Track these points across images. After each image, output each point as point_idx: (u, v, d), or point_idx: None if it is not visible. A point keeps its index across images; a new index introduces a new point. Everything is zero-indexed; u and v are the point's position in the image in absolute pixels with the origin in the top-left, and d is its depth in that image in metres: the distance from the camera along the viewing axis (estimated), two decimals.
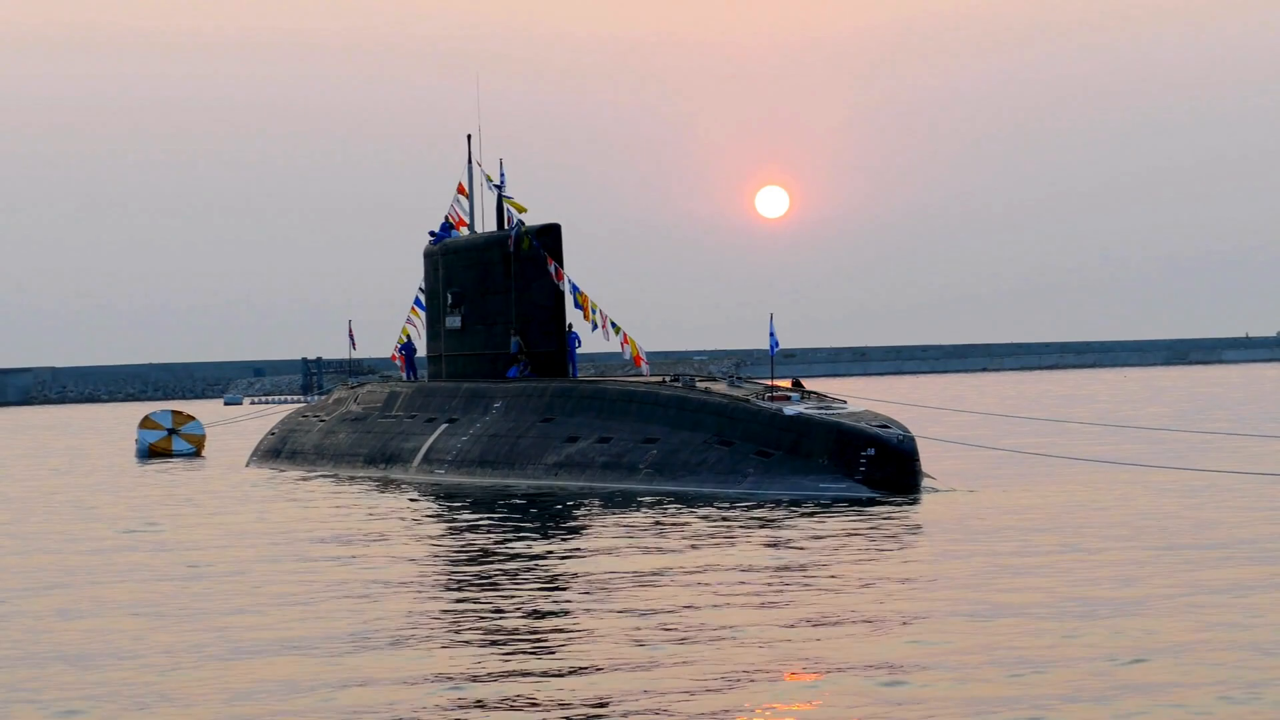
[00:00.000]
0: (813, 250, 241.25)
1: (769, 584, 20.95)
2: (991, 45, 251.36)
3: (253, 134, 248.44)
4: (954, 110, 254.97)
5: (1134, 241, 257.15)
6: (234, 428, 70.32)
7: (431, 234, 47.21)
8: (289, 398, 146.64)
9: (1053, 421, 54.91)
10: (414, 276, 48.40)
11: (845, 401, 36.40)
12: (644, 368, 42.00)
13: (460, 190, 47.02)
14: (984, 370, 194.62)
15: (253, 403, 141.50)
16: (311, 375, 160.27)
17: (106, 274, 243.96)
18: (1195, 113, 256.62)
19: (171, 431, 58.70)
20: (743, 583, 21.15)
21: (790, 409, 35.34)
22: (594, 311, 41.88)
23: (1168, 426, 53.07)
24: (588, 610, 19.01)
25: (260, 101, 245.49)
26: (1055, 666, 14.90)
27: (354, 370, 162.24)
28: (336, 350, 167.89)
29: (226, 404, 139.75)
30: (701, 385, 38.52)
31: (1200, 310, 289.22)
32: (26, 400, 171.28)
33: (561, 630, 17.69)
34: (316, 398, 73.48)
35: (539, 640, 17.06)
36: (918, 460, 33.78)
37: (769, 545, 25.21)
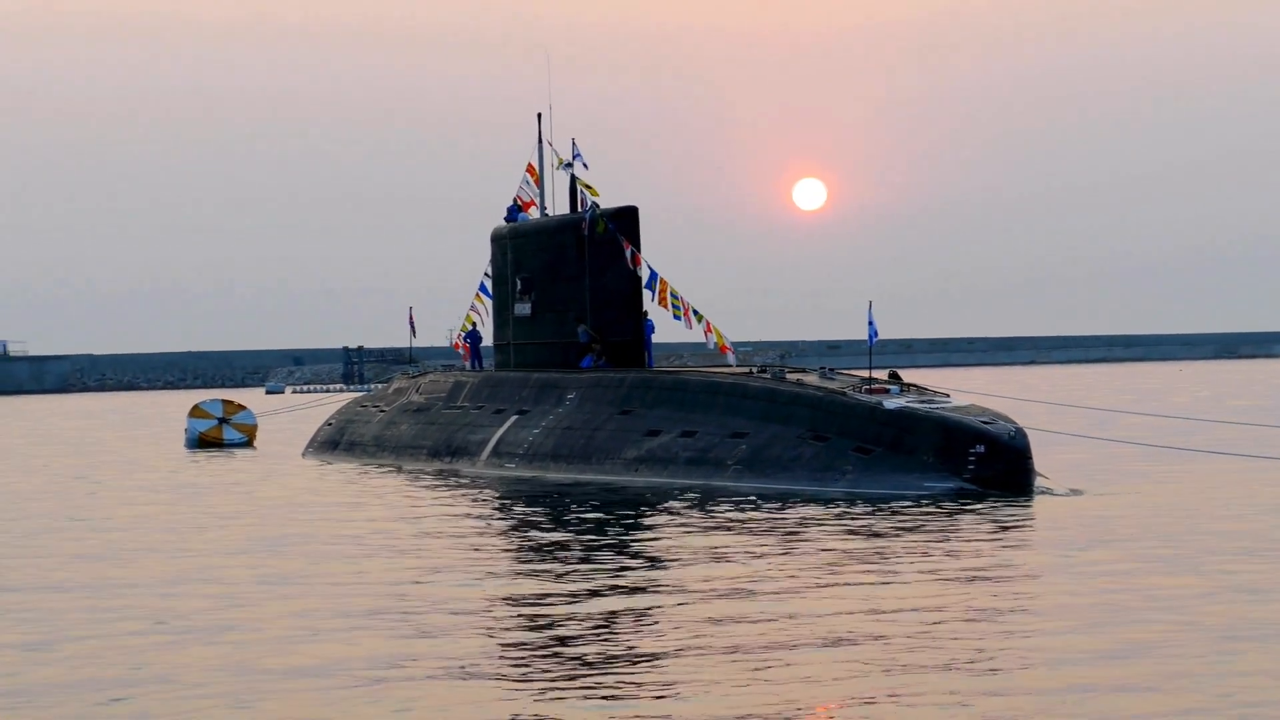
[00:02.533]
0: (852, 242, 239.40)
1: (873, 592, 18.99)
2: (1031, 32, 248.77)
3: (293, 119, 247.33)
4: (995, 98, 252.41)
5: (1182, 232, 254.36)
6: (285, 417, 68.30)
7: (508, 215, 44.92)
8: (331, 386, 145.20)
9: (1158, 417, 52.39)
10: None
11: (948, 395, 34.26)
12: (730, 357, 39.66)
13: (530, 171, 44.84)
14: (1031, 363, 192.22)
15: (295, 391, 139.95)
16: (352, 364, 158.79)
17: (145, 261, 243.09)
18: (1247, 100, 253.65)
19: (222, 421, 56.86)
20: (843, 589, 19.26)
21: (891, 402, 33.22)
22: (673, 298, 39.69)
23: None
24: (673, 614, 17.46)
25: (302, 87, 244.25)
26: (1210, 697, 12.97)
27: (397, 359, 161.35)
28: (376, 339, 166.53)
29: (268, 393, 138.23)
30: (792, 376, 36.40)
31: (1250, 303, 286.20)
32: (64, 388, 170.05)
33: (644, 635, 16.27)
34: (375, 387, 71.52)
35: (622, 647, 15.62)
36: (1030, 458, 31.65)
37: (871, 549, 23.16)
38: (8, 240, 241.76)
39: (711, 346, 39.79)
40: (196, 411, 57.63)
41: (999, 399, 37.62)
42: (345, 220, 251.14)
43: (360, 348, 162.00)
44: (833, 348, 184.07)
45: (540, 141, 44.49)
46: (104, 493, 37.57)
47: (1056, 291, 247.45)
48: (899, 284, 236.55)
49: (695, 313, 39.46)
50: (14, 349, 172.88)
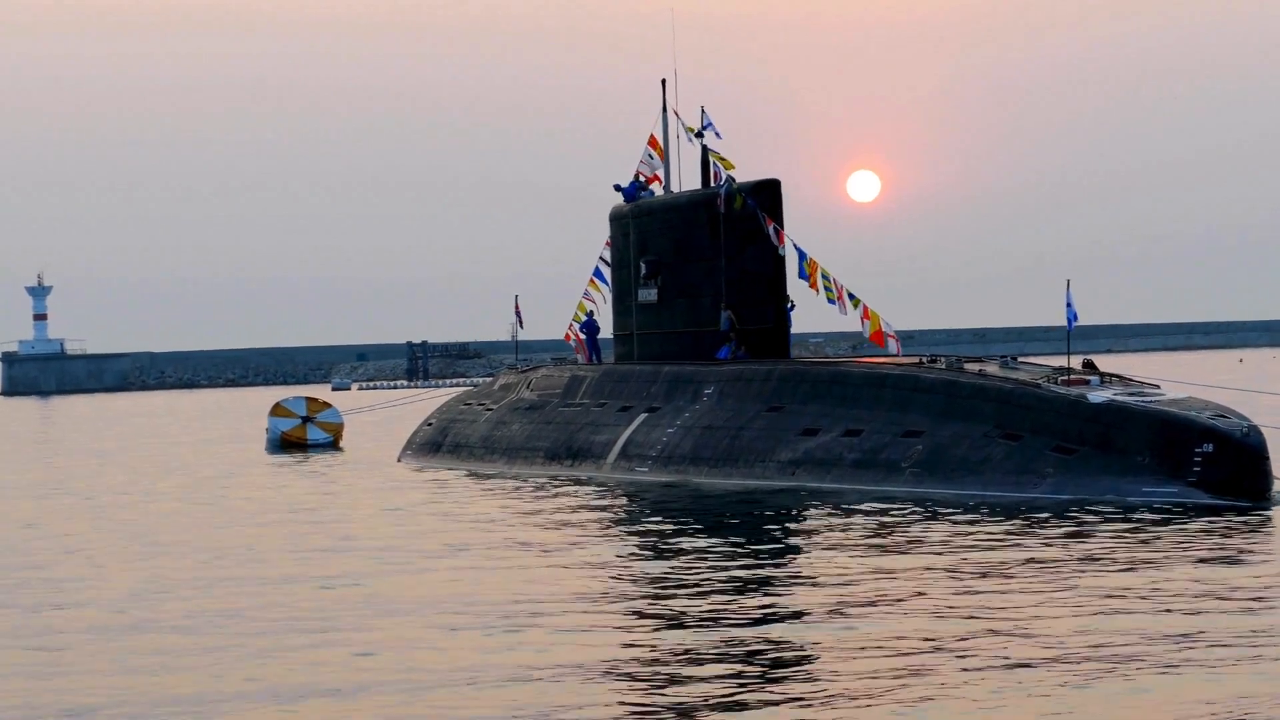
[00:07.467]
0: (907, 233, 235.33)
1: (1103, 624, 15.98)
2: (1084, 17, 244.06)
3: (355, 110, 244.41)
4: (1051, 86, 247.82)
5: (1254, 214, 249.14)
6: (369, 416, 64.30)
7: (626, 192, 40.49)
8: (396, 382, 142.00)
9: None
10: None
11: (1158, 386, 30.13)
12: (892, 345, 35.26)
13: (652, 143, 40.50)
14: (1109, 351, 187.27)
15: (360, 388, 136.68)
16: (416, 359, 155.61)
17: (205, 256, 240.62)
18: None
19: (306, 420, 53.19)
20: (1067, 619, 16.31)
21: (1096, 395, 29.11)
22: (823, 279, 35.46)
23: None
24: (854, 647, 15.32)
25: (370, 79, 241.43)
26: None
27: (462, 353, 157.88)
28: (440, 333, 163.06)
29: (334, 389, 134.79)
30: (971, 367, 32.30)
31: None
32: (124, 386, 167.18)
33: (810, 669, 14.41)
34: (477, 383, 67.58)
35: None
36: (1268, 458, 27.57)
37: (1089, 568, 19.87)
38: (66, 237, 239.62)
39: (867, 335, 35.42)
40: (278, 410, 54.06)
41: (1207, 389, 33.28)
42: (408, 212, 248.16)
43: (424, 342, 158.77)
44: (907, 337, 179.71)
45: (664, 110, 40.16)
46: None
47: (1124, 278, 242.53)
48: (960, 274, 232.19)
49: (851, 296, 35.20)
50: (71, 347, 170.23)
